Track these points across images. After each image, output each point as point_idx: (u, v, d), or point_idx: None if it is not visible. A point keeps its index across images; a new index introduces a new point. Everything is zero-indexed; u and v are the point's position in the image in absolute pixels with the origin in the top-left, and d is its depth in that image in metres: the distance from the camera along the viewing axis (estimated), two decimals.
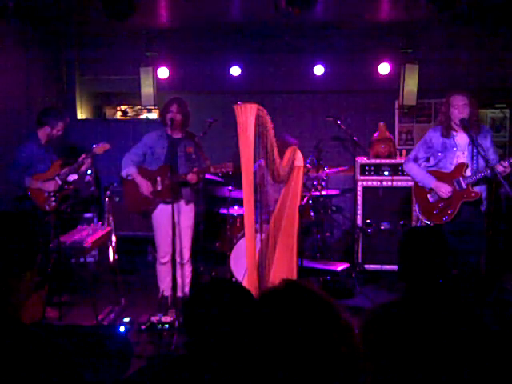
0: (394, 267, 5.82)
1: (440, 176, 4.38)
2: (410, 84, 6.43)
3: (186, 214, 4.87)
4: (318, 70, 6.73)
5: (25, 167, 4.73)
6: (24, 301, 1.51)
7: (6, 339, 1.38)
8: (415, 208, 4.70)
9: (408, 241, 2.34)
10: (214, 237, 6.17)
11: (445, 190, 4.31)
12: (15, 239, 1.50)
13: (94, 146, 4.87)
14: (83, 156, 4.84)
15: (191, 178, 4.67)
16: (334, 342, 1.13)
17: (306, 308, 1.15)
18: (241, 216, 5.57)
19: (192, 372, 1.63)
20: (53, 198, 4.74)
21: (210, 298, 1.75)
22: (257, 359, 1.13)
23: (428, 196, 4.44)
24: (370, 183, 6.03)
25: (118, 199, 5.99)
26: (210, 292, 1.79)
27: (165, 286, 4.91)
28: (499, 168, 4.04)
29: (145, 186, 4.76)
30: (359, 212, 6.03)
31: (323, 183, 5.82)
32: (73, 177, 4.94)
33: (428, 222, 4.46)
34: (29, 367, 1.34)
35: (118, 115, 8.03)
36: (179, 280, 4.85)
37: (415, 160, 4.55)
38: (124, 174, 4.82)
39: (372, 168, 6.03)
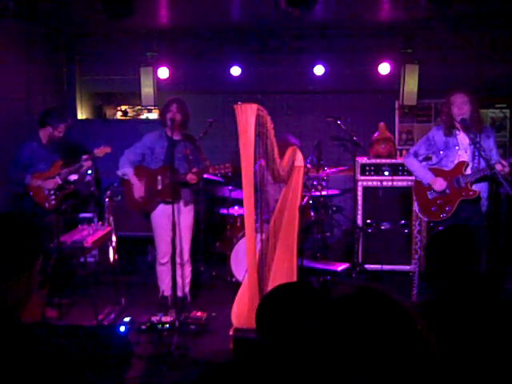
0: (394, 267, 5.83)
1: (440, 174, 4.41)
2: (411, 84, 6.44)
3: (185, 214, 4.86)
4: (318, 70, 6.73)
5: (26, 165, 4.75)
6: (25, 301, 1.51)
7: (6, 339, 1.37)
8: (415, 205, 4.72)
9: (438, 242, 2.31)
10: (214, 237, 6.17)
11: (439, 183, 4.35)
12: (17, 239, 1.50)
13: (96, 149, 4.90)
14: (84, 157, 4.86)
15: (190, 178, 4.66)
16: (412, 352, 1.07)
17: (380, 315, 1.10)
18: (241, 216, 5.57)
19: (260, 376, 1.60)
20: (53, 197, 4.76)
21: (283, 301, 1.73)
22: (327, 366, 1.10)
23: (427, 193, 4.48)
24: (370, 183, 6.03)
25: (119, 197, 6.00)
26: (283, 294, 1.77)
27: (165, 286, 4.91)
28: (498, 167, 4.06)
29: (137, 189, 4.75)
30: (359, 212, 6.03)
31: (323, 183, 5.82)
32: (73, 177, 4.97)
33: (426, 219, 4.50)
34: (29, 368, 1.34)
35: (119, 115, 8.03)
36: (179, 280, 4.84)
37: (415, 155, 4.62)
38: (120, 173, 4.82)
39: (372, 168, 6.03)
